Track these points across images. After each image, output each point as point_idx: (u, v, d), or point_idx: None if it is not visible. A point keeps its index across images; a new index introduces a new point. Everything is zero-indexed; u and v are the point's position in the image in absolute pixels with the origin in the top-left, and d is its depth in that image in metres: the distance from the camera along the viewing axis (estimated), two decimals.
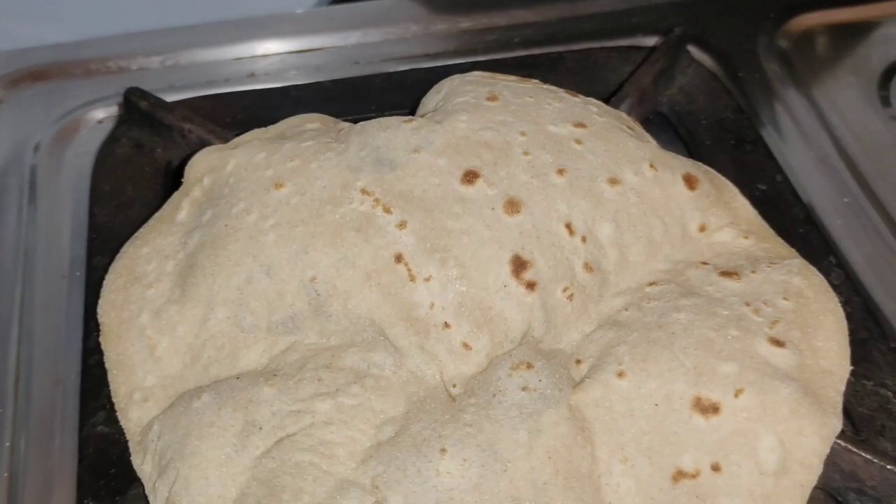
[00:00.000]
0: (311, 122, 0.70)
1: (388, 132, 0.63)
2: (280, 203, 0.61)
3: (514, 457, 0.50)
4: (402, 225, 0.58)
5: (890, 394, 0.60)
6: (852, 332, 0.61)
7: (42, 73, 0.83)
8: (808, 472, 0.52)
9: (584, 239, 0.59)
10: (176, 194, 0.67)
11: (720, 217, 0.64)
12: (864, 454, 0.54)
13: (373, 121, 0.66)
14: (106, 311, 0.62)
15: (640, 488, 0.51)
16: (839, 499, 0.56)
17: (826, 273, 0.65)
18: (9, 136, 0.79)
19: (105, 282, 0.63)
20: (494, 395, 0.52)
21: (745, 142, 0.76)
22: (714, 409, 0.52)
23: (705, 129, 0.77)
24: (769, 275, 0.60)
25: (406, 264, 0.57)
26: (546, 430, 0.51)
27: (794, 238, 0.68)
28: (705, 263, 0.61)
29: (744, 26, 0.87)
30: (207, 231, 0.62)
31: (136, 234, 0.65)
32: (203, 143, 0.71)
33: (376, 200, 0.59)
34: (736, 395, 0.52)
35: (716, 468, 0.51)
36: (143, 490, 0.55)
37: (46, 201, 0.74)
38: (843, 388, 0.56)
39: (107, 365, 0.60)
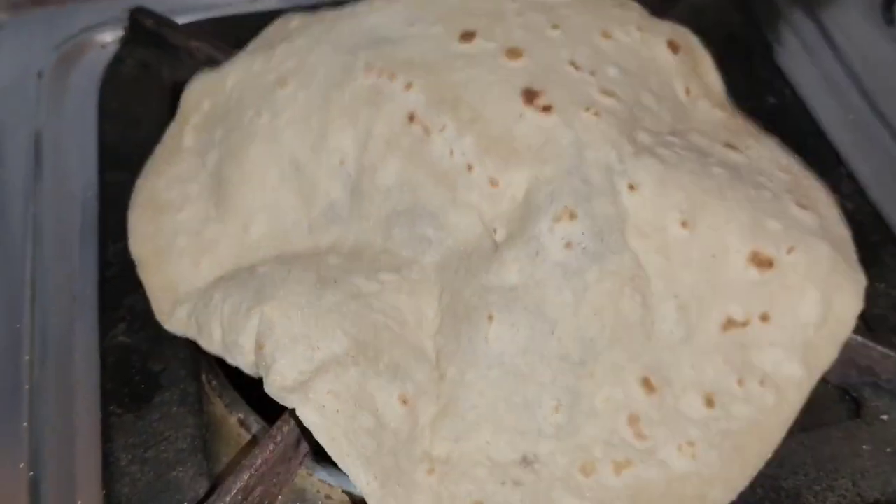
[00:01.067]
0: (291, 21, 0.69)
1: (378, 13, 0.63)
2: (288, 100, 0.61)
3: (561, 317, 0.51)
4: (408, 87, 0.58)
5: None
6: (864, 237, 0.63)
7: None
8: (843, 326, 0.55)
9: (592, 73, 0.59)
10: (172, 125, 0.66)
11: (697, 86, 0.65)
12: (880, 348, 0.55)
13: (359, 4, 0.65)
14: (139, 243, 0.61)
15: (691, 335, 0.53)
16: (854, 394, 0.57)
17: (837, 182, 0.66)
18: (12, 62, 0.77)
19: (130, 219, 0.62)
20: (538, 252, 0.52)
21: (753, 55, 0.76)
22: (769, 263, 0.54)
23: (714, 44, 0.77)
24: (760, 150, 0.61)
25: (420, 121, 0.56)
26: (591, 287, 0.52)
27: (806, 148, 0.68)
28: (703, 133, 0.62)
29: None
30: (224, 146, 0.62)
31: (144, 171, 0.65)
32: (211, 61, 0.70)
33: (380, 70, 0.59)
34: (788, 252, 0.54)
35: (764, 318, 0.53)
36: (168, 396, 0.55)
37: (52, 126, 0.73)
38: (854, 250, 0.58)
39: (149, 294, 0.59)
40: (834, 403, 0.57)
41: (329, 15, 0.67)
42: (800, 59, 0.79)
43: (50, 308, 0.62)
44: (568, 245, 0.52)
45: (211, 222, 0.60)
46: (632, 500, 0.49)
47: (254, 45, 0.68)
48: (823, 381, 0.57)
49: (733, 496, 0.51)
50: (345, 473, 0.54)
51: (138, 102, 0.71)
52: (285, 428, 0.50)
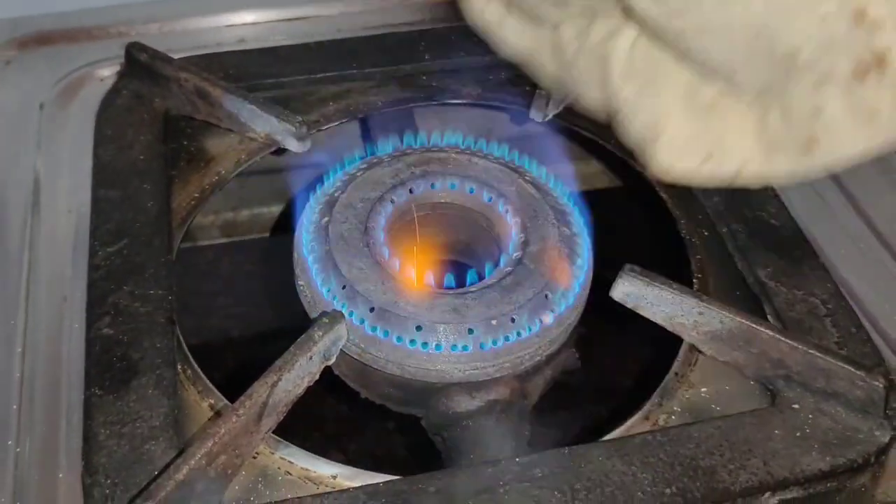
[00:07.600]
0: None
1: None
2: None
3: None
4: None
5: (817, 301, 0.67)
6: (789, 251, 0.70)
7: (47, 37, 0.90)
8: None
9: None
10: None
11: None
12: (789, 342, 0.61)
13: None
14: None
15: None
16: (770, 387, 0.62)
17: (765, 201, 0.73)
18: (16, 94, 0.85)
19: None
20: None
21: None
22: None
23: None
24: None
25: None
26: None
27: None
28: None
29: None
30: None
31: None
32: (198, 90, 0.77)
33: None
34: None
35: None
36: (145, 381, 0.60)
37: (51, 151, 0.80)
38: None
39: None
40: (752, 396, 0.63)
41: None
42: None
43: (42, 306, 0.68)
44: None
45: None
46: None
47: None
48: (742, 375, 0.63)
49: None
50: (303, 451, 0.60)
51: (131, 129, 0.78)
52: (248, 403, 0.56)
